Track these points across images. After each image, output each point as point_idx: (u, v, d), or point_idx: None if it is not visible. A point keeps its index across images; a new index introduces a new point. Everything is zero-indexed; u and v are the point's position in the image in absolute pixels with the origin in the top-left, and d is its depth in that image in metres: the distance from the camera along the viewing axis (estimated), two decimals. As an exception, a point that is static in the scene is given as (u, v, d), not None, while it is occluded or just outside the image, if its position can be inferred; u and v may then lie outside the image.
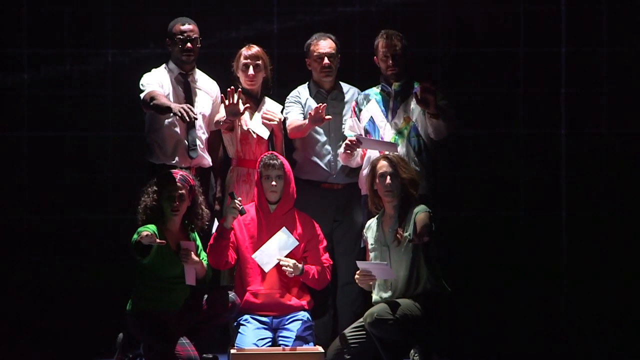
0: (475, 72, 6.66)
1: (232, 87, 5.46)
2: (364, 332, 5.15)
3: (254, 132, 5.73)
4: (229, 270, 5.60)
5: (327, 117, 5.58)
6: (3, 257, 6.51)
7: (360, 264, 5.22)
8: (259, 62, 5.74)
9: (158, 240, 5.03)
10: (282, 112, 5.82)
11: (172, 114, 5.32)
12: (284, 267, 5.37)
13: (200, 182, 5.41)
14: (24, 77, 6.56)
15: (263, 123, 5.74)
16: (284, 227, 5.41)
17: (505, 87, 6.67)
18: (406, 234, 5.18)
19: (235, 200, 5.39)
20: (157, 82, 5.56)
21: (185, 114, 5.18)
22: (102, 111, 6.57)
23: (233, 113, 5.50)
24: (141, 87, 5.54)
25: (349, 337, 5.21)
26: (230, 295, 5.34)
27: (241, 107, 5.50)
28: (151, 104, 5.39)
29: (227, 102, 5.47)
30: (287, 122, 5.78)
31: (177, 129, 5.60)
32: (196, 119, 5.38)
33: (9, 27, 6.55)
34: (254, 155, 5.68)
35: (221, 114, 5.64)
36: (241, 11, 6.57)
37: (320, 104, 5.59)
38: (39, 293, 6.48)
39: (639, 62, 6.66)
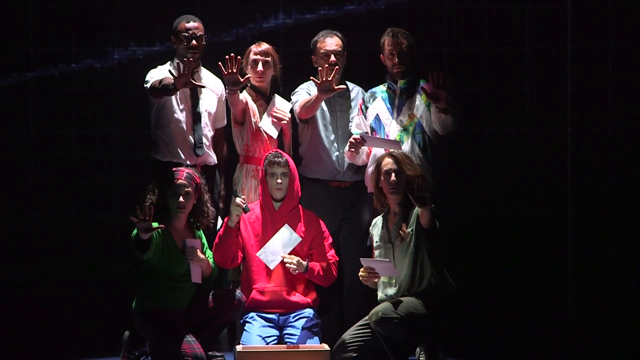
0: (481, 70, 6.65)
1: (232, 54, 5.42)
2: (370, 330, 5.15)
3: (265, 131, 5.73)
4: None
5: (338, 86, 5.51)
6: (9, 255, 6.52)
7: (364, 261, 5.21)
8: (269, 58, 5.73)
9: (155, 225, 5.02)
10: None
11: (176, 80, 5.31)
12: (287, 265, 5.37)
13: (205, 180, 5.42)
14: (30, 76, 6.57)
15: (272, 122, 5.74)
16: (286, 224, 5.41)
17: (511, 85, 6.66)
18: (409, 230, 5.17)
19: (239, 198, 5.39)
20: (163, 76, 5.55)
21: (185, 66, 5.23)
22: (108, 109, 6.58)
23: (232, 82, 5.44)
24: (150, 79, 5.54)
25: (354, 335, 5.21)
26: (236, 293, 5.35)
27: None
28: (160, 85, 5.38)
29: (225, 71, 5.42)
30: (297, 105, 5.74)
31: (184, 126, 5.61)
32: (201, 85, 5.42)
33: (16, 25, 6.55)
34: (262, 154, 5.68)
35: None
36: (247, 9, 6.58)
37: (327, 65, 5.54)
38: (45, 291, 6.49)
39: (645, 60, 6.67)
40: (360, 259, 5.23)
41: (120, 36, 6.56)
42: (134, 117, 6.39)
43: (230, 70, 5.40)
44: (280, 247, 5.39)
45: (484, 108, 6.60)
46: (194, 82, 5.35)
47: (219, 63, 5.41)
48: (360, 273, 5.22)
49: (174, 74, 5.30)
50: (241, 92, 5.64)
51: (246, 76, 5.55)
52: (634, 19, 6.65)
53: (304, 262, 5.41)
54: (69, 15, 6.54)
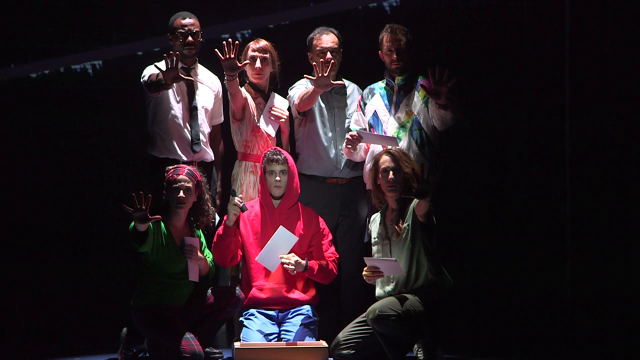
0: (479, 66, 6.64)
1: (230, 39, 5.42)
2: (367, 327, 5.14)
3: (262, 130, 5.73)
4: (234, 262, 5.60)
5: (335, 82, 5.52)
6: (8, 253, 6.52)
7: (368, 260, 5.20)
8: (267, 55, 5.72)
9: (151, 216, 5.01)
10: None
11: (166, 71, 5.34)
12: (285, 266, 5.37)
13: (206, 179, 5.41)
14: (28, 72, 6.56)
15: (270, 120, 5.72)
16: (281, 226, 5.39)
17: (509, 81, 6.65)
18: (404, 225, 5.16)
19: (236, 198, 5.38)
20: (158, 71, 5.54)
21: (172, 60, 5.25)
22: (106, 106, 6.58)
23: (231, 67, 5.43)
24: (146, 73, 5.55)
25: (352, 332, 5.21)
26: (234, 290, 5.34)
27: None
28: (157, 79, 5.40)
29: (222, 57, 5.41)
30: (295, 97, 5.72)
31: (181, 122, 5.61)
32: (190, 79, 5.45)
33: (13, 21, 6.55)
34: (261, 151, 5.68)
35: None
36: (244, 5, 6.57)
37: (322, 60, 5.52)
38: (44, 288, 6.49)
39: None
40: (364, 258, 5.22)
41: (118, 32, 6.56)
42: (132, 114, 6.37)
43: (228, 56, 5.39)
44: (277, 249, 5.38)
45: (481, 104, 6.59)
46: (182, 76, 5.35)
47: (216, 50, 5.40)
48: (364, 272, 5.21)
49: (162, 69, 5.30)
50: (241, 85, 5.63)
51: (245, 62, 5.54)
52: (632, 16, 6.63)
53: (303, 262, 5.40)
54: (65, 10, 6.53)
